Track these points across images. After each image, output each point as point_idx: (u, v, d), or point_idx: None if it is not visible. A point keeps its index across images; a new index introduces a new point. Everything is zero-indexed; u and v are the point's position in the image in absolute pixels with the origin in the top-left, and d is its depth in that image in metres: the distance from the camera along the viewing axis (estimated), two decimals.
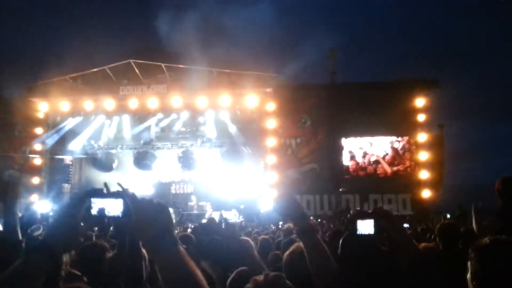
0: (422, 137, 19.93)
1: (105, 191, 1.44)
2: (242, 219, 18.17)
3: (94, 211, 1.40)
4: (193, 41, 18.08)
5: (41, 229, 5.83)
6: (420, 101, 20.08)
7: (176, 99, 20.16)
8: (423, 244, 3.35)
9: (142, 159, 22.56)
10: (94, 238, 4.73)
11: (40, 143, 21.49)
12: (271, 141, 19.64)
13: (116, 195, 1.42)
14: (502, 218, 3.82)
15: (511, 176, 3.96)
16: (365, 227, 1.76)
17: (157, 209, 1.38)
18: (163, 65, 19.62)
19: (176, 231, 8.03)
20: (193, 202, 21.83)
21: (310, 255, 1.84)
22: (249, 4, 18.37)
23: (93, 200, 1.41)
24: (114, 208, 1.40)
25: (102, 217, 1.41)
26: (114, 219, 1.41)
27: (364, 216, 1.78)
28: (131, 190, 1.45)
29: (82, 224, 1.42)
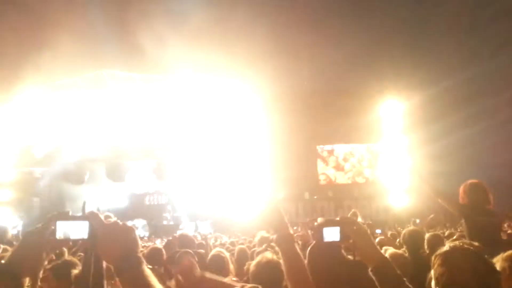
0: (395, 142, 20.31)
1: (70, 213, 1.46)
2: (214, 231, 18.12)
3: (59, 234, 1.41)
4: (161, 50, 18.02)
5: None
6: (390, 107, 20.51)
7: (149, 109, 20.00)
8: (391, 251, 3.41)
9: (114, 171, 22.18)
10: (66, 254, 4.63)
11: (8, 156, 20.90)
12: (249, 149, 19.68)
13: (81, 217, 1.43)
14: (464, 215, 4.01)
15: (475, 182, 4.12)
16: (331, 234, 1.80)
17: (123, 231, 1.40)
18: (136, 74, 19.47)
19: (143, 245, 8.03)
20: (167, 213, 21.63)
21: (287, 264, 1.88)
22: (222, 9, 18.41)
23: (58, 223, 1.42)
24: (80, 230, 1.42)
25: (67, 240, 1.43)
26: (80, 241, 1.43)
27: (330, 223, 1.82)
28: (95, 211, 1.47)
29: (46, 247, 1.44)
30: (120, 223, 1.43)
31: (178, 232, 12.45)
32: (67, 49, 18.46)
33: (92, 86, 19.93)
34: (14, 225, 16.04)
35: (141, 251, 1.53)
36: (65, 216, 1.44)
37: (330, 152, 22.54)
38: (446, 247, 1.65)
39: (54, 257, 3.06)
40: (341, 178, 22.28)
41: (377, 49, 19.70)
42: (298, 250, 1.92)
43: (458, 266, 1.56)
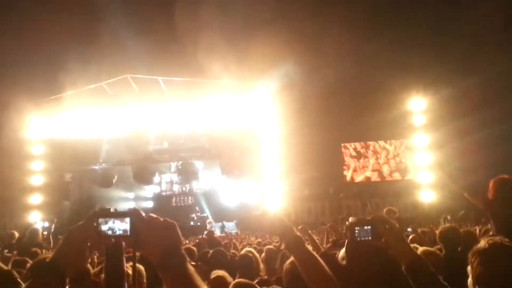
0: (421, 139, 19.95)
1: (112, 210, 1.46)
2: (240, 231, 18.15)
3: (104, 231, 1.42)
4: (189, 53, 18.18)
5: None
6: (416, 103, 20.14)
7: (173, 112, 20.19)
8: (423, 248, 3.37)
9: (141, 174, 22.50)
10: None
11: (39, 162, 21.49)
12: (273, 150, 19.64)
13: (123, 214, 1.43)
14: (492, 214, 3.92)
15: (505, 178, 4.03)
16: (364, 233, 1.80)
17: (165, 227, 1.39)
18: (160, 78, 19.70)
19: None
20: (194, 214, 21.81)
21: (303, 267, 1.84)
22: (241, 12, 18.45)
23: (100, 220, 1.43)
24: (121, 227, 1.43)
25: (109, 236, 1.43)
26: (122, 237, 1.43)
27: (362, 223, 1.82)
28: (137, 208, 1.47)
29: (89, 245, 1.44)
30: (161, 219, 1.42)
31: (205, 233, 12.58)
32: (92, 55, 18.89)
33: (117, 90, 20.26)
34: (45, 228, 16.43)
35: None
36: (107, 213, 1.43)
37: (356, 150, 22.31)
38: (484, 244, 1.62)
39: (96, 255, 3.08)
40: (367, 176, 22.04)
41: (402, 45, 19.36)
42: (311, 250, 1.89)
43: (500, 265, 1.53)
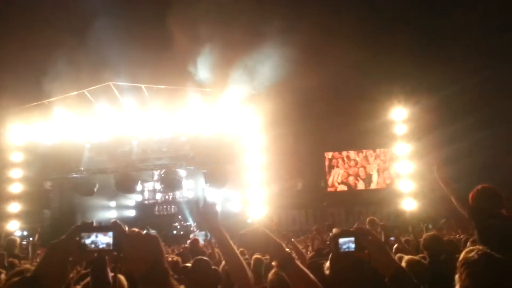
0: (403, 148, 20.19)
1: (94, 224, 1.44)
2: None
3: (87, 246, 1.40)
4: (173, 60, 18.15)
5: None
6: (398, 113, 20.41)
7: (156, 120, 20.06)
8: (408, 257, 3.40)
9: (123, 182, 22.21)
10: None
11: (18, 170, 21.05)
12: (257, 158, 19.62)
13: (105, 228, 1.42)
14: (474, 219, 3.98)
15: (486, 187, 4.10)
16: (347, 245, 1.81)
17: (147, 241, 1.38)
18: (142, 86, 19.58)
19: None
20: (177, 222, 21.63)
21: (295, 284, 1.84)
22: (226, 20, 18.54)
23: (83, 234, 1.41)
24: (104, 240, 1.40)
25: (92, 251, 1.41)
26: (105, 252, 1.41)
27: (345, 234, 1.83)
28: (119, 222, 1.45)
29: (71, 259, 1.42)
30: (143, 232, 1.41)
31: (188, 242, 12.46)
32: (74, 62, 18.70)
33: (99, 98, 20.05)
34: (23, 237, 16.07)
35: None
36: (89, 227, 1.42)
37: (339, 158, 22.48)
38: (473, 254, 1.62)
39: (79, 269, 3.04)
40: (350, 184, 22.20)
41: (384, 54, 19.67)
42: (302, 267, 1.90)
43: (488, 278, 1.53)
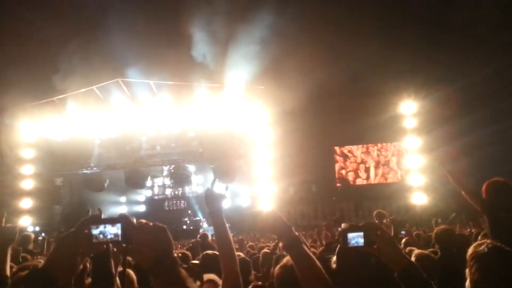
0: (413, 142, 20.05)
1: (102, 216, 1.45)
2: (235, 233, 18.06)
3: (95, 236, 1.42)
4: (180, 56, 18.16)
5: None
6: (408, 106, 20.24)
7: (165, 116, 20.13)
8: (417, 251, 3.37)
9: (133, 178, 22.38)
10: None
11: (29, 166, 21.30)
12: (265, 153, 19.62)
13: (114, 220, 1.43)
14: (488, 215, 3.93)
15: (498, 180, 4.05)
16: (356, 240, 1.80)
17: (155, 231, 1.38)
18: (151, 82, 19.63)
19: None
20: (186, 218, 21.73)
21: (300, 268, 1.85)
22: (233, 16, 18.50)
23: (91, 226, 1.42)
24: (112, 231, 1.42)
25: (101, 243, 1.42)
26: (113, 244, 1.43)
27: (354, 229, 1.82)
28: (123, 212, 1.46)
29: (81, 251, 1.44)
30: (151, 223, 1.41)
31: (199, 236, 12.51)
32: (83, 59, 18.81)
33: (108, 94, 20.15)
34: (35, 233, 16.28)
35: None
36: (98, 220, 1.44)
37: (348, 153, 22.39)
38: (484, 248, 1.61)
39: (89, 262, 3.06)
40: (359, 179, 22.12)
41: (393, 48, 19.48)
42: (308, 251, 1.91)
43: (498, 271, 1.52)
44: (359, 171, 22.12)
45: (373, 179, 21.98)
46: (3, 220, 2.50)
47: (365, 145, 22.18)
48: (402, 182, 20.88)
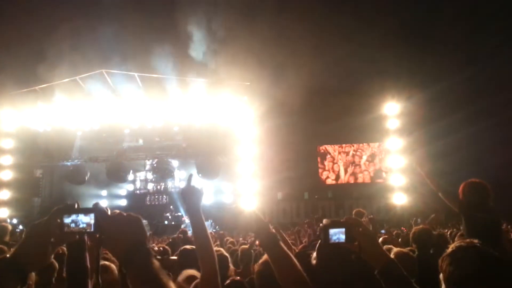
0: (394, 142, 20.28)
1: (76, 206, 1.43)
2: (218, 229, 18.05)
3: (67, 225, 1.40)
4: (166, 50, 18.02)
5: None
6: (391, 107, 20.46)
7: (149, 109, 19.95)
8: (396, 249, 3.41)
9: (115, 171, 22.13)
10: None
11: (8, 156, 20.86)
12: (249, 149, 19.61)
13: (87, 210, 1.41)
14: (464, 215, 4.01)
15: (474, 181, 4.12)
16: (337, 236, 1.80)
17: (129, 221, 1.37)
18: (136, 74, 19.41)
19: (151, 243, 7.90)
20: (168, 213, 21.61)
21: (276, 265, 1.86)
22: (221, 11, 18.44)
23: (65, 216, 1.40)
24: (85, 220, 1.40)
25: (73, 233, 1.41)
26: (86, 234, 1.41)
27: (336, 225, 1.82)
28: (102, 204, 1.44)
29: (53, 241, 1.41)
30: (125, 214, 1.39)
31: (178, 232, 12.47)
32: (67, 48, 18.49)
33: (92, 85, 19.85)
34: (13, 225, 15.99)
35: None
36: (71, 209, 1.42)
37: (331, 152, 22.55)
38: (452, 247, 1.66)
39: (61, 251, 3.03)
40: (341, 178, 22.30)
41: (377, 49, 19.69)
42: (285, 249, 1.91)
43: (467, 262, 1.56)
44: (341, 170, 22.31)
45: (353, 179, 22.18)
46: None
47: (349, 145, 22.36)
48: (385, 181, 21.10)
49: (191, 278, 3.03)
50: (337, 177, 22.29)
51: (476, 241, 1.62)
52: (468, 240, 1.65)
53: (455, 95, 18.85)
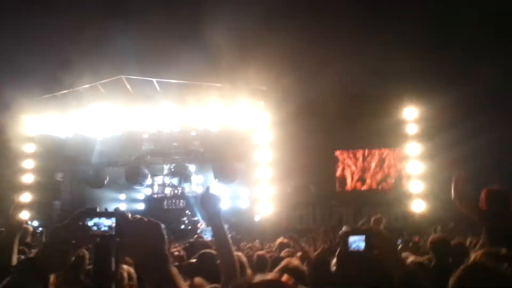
0: (413, 148, 19.99)
1: (98, 210, 1.47)
2: (234, 233, 18.04)
3: (89, 228, 1.43)
4: (184, 55, 18.18)
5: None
6: (410, 112, 20.18)
7: (167, 114, 20.13)
8: (412, 258, 3.36)
9: (133, 175, 22.38)
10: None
11: (30, 160, 21.31)
12: (266, 155, 19.60)
13: (109, 214, 1.44)
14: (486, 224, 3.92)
15: (496, 189, 4.04)
16: (357, 244, 1.79)
17: (149, 227, 1.39)
18: (154, 80, 19.64)
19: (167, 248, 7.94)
20: (185, 217, 21.74)
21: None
22: (238, 16, 18.54)
23: (86, 218, 1.44)
24: (106, 223, 1.43)
25: (94, 236, 1.44)
26: (107, 237, 1.44)
27: (356, 232, 1.81)
28: (122, 209, 1.48)
29: (74, 242, 1.45)
30: (146, 219, 1.42)
31: (195, 236, 12.52)
32: (87, 55, 18.83)
33: (111, 91, 20.15)
34: (34, 228, 16.28)
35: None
36: (93, 212, 1.45)
37: (349, 158, 22.34)
38: (466, 264, 1.63)
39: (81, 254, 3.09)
40: (359, 184, 22.06)
41: (395, 53, 19.48)
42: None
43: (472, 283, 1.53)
44: (359, 176, 22.07)
45: (371, 185, 21.89)
46: (12, 207, 2.52)
47: (366, 150, 22.11)
48: (403, 188, 20.76)
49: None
50: (354, 183, 22.06)
51: (504, 249, 1.59)
52: (493, 249, 1.62)
53: (478, 99, 18.48)
